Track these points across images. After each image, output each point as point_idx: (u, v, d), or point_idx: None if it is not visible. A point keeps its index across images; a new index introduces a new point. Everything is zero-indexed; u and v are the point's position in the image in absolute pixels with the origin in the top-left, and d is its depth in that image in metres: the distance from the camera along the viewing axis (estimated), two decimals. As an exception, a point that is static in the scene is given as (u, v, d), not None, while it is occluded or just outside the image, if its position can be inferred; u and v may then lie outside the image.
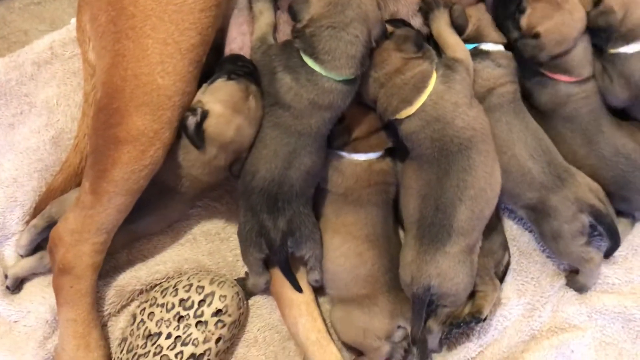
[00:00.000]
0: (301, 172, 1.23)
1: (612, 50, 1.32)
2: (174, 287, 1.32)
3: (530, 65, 1.33)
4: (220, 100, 1.21)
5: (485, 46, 1.35)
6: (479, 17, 1.37)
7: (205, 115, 1.20)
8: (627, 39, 1.31)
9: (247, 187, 1.25)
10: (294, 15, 1.21)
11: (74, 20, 1.43)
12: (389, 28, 1.29)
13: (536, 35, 1.28)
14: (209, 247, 1.42)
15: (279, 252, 1.23)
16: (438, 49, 1.35)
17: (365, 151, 1.31)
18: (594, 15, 1.30)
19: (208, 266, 1.39)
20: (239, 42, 1.31)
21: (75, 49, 1.44)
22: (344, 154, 1.31)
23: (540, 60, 1.30)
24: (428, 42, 1.34)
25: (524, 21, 1.30)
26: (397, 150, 1.34)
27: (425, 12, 1.35)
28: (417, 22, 1.38)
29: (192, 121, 1.20)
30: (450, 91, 1.23)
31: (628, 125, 1.35)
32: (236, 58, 1.27)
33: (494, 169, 1.24)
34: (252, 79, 1.23)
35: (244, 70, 1.24)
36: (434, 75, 1.24)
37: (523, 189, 1.28)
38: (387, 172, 1.34)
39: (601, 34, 1.31)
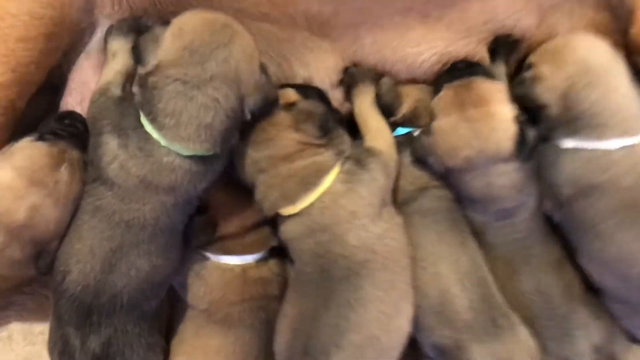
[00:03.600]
0: (131, 278, 0.91)
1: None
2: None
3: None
4: (14, 167, 0.91)
5: None
6: (420, 97, 1.08)
7: None
8: (567, 129, 0.98)
9: (57, 289, 0.93)
10: (137, 57, 0.93)
11: None
12: (294, 96, 0.99)
13: (427, 131, 1.01)
14: (28, 350, 1.13)
15: (86, 381, 0.92)
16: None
17: (239, 252, 1.00)
18: (516, 82, 1.03)
19: (22, 377, 1.10)
20: (77, 94, 1.02)
21: None
22: (209, 255, 1.01)
23: (430, 166, 1.01)
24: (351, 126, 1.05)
25: (431, 106, 1.03)
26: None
27: (348, 85, 1.07)
28: (339, 94, 1.09)
29: None
30: (349, 195, 0.93)
31: (559, 261, 1.02)
32: (65, 115, 0.98)
33: (398, 309, 0.93)
34: (75, 144, 0.95)
35: (69, 131, 0.95)
36: (335, 171, 0.94)
37: (438, 321, 0.97)
38: (268, 281, 1.02)
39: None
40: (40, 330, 1.13)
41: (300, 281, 0.95)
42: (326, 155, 0.95)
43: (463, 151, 0.97)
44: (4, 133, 0.95)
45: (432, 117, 1.02)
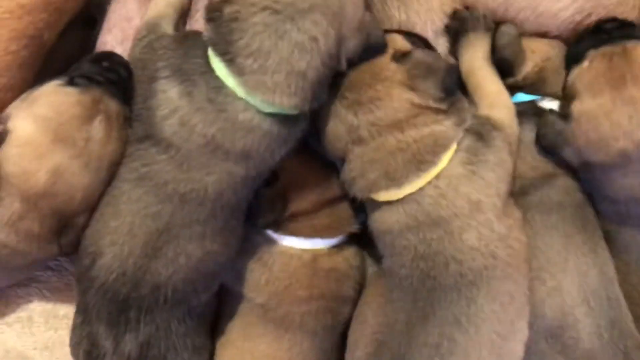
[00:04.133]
0: (180, 266, 0.78)
1: None
2: (-32, 399, 0.93)
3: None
4: (36, 117, 0.78)
5: (548, 103, 0.89)
6: (550, 56, 0.90)
7: (2, 138, 0.77)
8: None
9: (83, 276, 0.80)
10: None
11: None
12: (402, 43, 0.82)
13: (566, 115, 0.83)
14: (49, 336, 1.01)
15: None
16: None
17: (308, 235, 0.86)
18: None
19: (39, 367, 1.03)
20: (118, 32, 0.89)
21: None
22: (275, 236, 0.86)
23: (565, 158, 0.84)
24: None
25: (569, 80, 0.86)
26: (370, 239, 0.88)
27: (455, 33, 0.89)
28: (443, 45, 0.91)
29: None
30: (473, 180, 0.78)
31: None
32: (103, 56, 0.86)
33: (514, 329, 0.79)
34: (114, 92, 0.81)
35: (107, 76, 0.81)
36: (453, 147, 0.78)
37: (551, 347, 0.84)
38: (343, 275, 0.89)
39: None
40: (65, 313, 1.01)
41: (392, 284, 0.81)
42: (446, 125, 0.77)
43: (618, 143, 0.80)
44: (28, 72, 0.82)
45: (571, 94, 0.83)
